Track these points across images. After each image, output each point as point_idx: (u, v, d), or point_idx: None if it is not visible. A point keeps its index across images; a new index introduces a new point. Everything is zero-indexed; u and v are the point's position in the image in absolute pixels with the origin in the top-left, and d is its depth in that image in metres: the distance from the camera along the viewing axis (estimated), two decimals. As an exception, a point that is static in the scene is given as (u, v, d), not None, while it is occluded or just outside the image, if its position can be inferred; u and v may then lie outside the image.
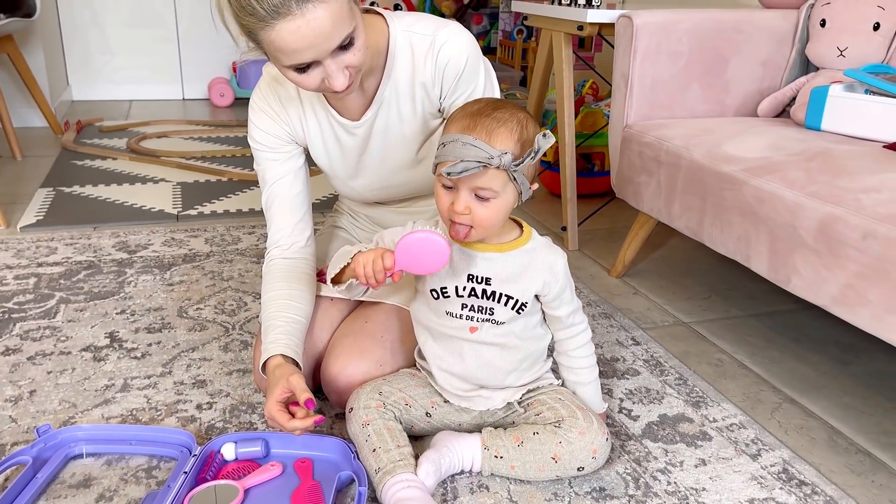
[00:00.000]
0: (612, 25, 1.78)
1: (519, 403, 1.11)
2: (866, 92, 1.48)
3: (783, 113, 1.78)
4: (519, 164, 0.95)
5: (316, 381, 1.24)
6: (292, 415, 1.05)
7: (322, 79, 1.00)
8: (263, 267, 1.25)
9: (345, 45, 0.98)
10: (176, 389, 1.28)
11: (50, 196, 2.29)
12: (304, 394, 1.03)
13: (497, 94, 1.21)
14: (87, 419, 1.19)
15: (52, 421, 1.18)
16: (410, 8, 4.13)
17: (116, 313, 1.55)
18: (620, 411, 1.28)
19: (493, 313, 1.06)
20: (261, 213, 1.27)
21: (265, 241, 1.27)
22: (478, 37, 4.33)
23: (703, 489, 1.09)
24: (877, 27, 1.62)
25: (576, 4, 1.92)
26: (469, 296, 1.05)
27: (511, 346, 1.08)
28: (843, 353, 1.52)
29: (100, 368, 1.34)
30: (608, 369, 1.40)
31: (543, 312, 1.12)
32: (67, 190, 2.35)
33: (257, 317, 1.51)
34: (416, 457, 1.04)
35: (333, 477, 1.03)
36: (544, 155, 0.99)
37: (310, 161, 1.28)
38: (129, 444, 1.12)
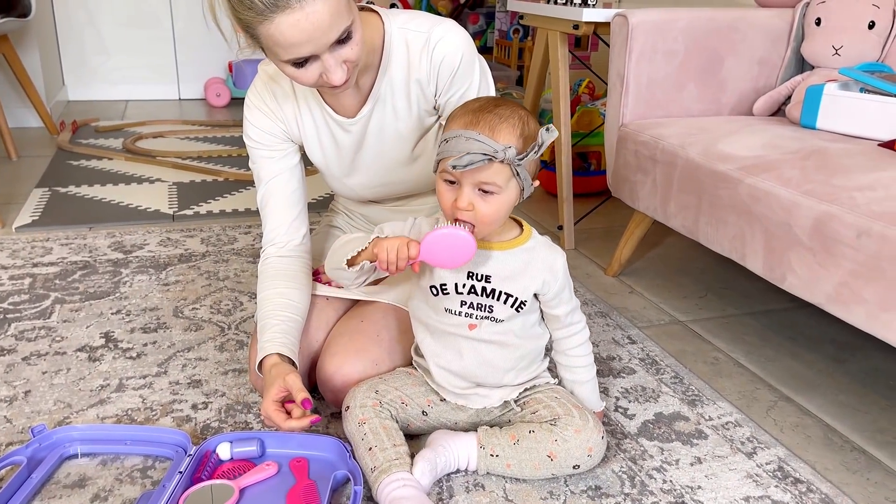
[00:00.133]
0: (607, 24, 1.78)
1: (515, 402, 1.11)
2: (861, 90, 1.48)
3: (779, 112, 1.78)
4: (523, 158, 0.95)
5: (312, 381, 1.24)
6: (288, 413, 1.05)
7: (320, 74, 1.01)
8: (259, 266, 1.25)
9: (343, 40, 0.98)
10: (171, 389, 1.28)
11: (45, 196, 2.28)
12: (300, 393, 1.03)
13: (492, 91, 1.22)
14: (82, 419, 1.19)
15: (46, 421, 1.18)
16: (406, 7, 4.13)
17: (112, 313, 1.55)
18: (616, 410, 1.28)
19: (492, 311, 1.06)
20: (257, 212, 1.27)
21: (261, 241, 1.27)
22: (474, 36, 4.33)
23: (699, 487, 1.09)
24: (871, 25, 1.62)
25: (572, 3, 1.92)
26: (469, 293, 1.05)
27: (510, 345, 1.08)
28: (839, 352, 1.52)
29: (95, 368, 1.34)
30: (604, 368, 1.40)
31: (542, 311, 1.12)
32: (63, 190, 2.35)
33: (253, 316, 1.51)
34: (412, 456, 1.04)
35: (329, 476, 1.03)
36: (541, 154, 1.00)
37: (305, 160, 1.28)
38: (125, 444, 1.12)
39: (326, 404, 1.23)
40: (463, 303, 1.06)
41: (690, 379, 1.39)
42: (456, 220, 0.98)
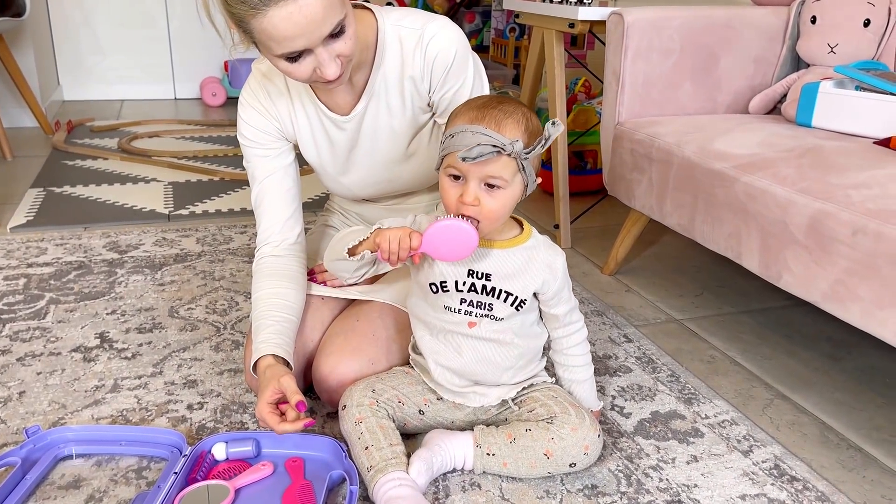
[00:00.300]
0: (603, 23, 1.77)
1: (513, 401, 1.11)
2: (857, 88, 1.49)
3: (774, 110, 1.78)
4: (530, 152, 0.96)
5: (307, 380, 1.24)
6: (283, 414, 1.04)
7: (313, 68, 1.00)
8: (253, 265, 1.25)
9: (336, 34, 0.98)
10: (167, 390, 1.28)
11: (40, 196, 2.27)
12: (295, 396, 1.03)
13: (486, 88, 1.22)
14: (76, 420, 1.18)
15: (41, 422, 1.17)
16: (402, 5, 4.13)
17: (107, 314, 1.54)
18: (612, 408, 1.28)
19: (491, 309, 1.06)
20: (252, 212, 1.27)
21: (256, 241, 1.27)
22: (470, 35, 4.32)
23: (695, 485, 1.09)
24: (867, 24, 1.62)
25: (567, 2, 1.92)
26: (469, 291, 1.05)
27: (509, 343, 1.08)
28: (835, 350, 1.52)
29: (90, 369, 1.33)
30: (600, 367, 1.40)
31: (540, 311, 1.12)
32: (58, 190, 2.34)
33: (248, 316, 1.51)
34: (409, 455, 1.04)
35: (325, 476, 1.03)
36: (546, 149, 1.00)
37: (300, 160, 1.28)
38: (119, 445, 1.11)
39: (322, 404, 1.23)
40: (463, 300, 1.06)
41: (687, 377, 1.39)
42: (460, 215, 0.98)
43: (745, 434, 1.22)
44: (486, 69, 1.28)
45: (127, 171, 2.58)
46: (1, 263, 1.78)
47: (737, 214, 1.35)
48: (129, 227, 2.07)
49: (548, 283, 1.06)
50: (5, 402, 1.22)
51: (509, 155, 0.94)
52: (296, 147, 1.27)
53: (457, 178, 0.98)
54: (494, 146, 0.93)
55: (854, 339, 1.56)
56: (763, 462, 1.15)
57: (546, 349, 1.17)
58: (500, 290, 1.05)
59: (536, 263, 1.06)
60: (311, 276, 1.31)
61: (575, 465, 1.05)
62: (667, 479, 1.10)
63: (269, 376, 1.06)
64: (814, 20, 1.68)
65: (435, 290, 1.06)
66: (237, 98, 1.24)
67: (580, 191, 2.40)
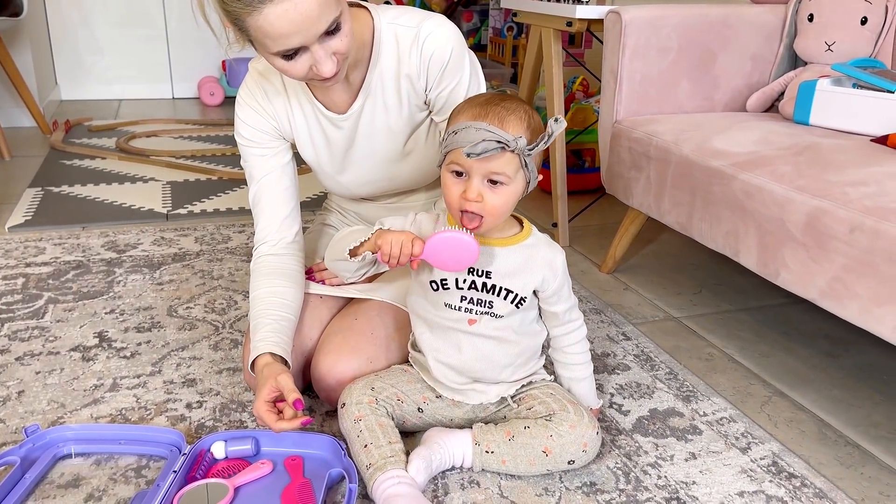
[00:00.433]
0: (601, 21, 1.78)
1: (512, 398, 1.12)
2: (854, 86, 1.49)
3: (772, 108, 1.78)
4: (533, 149, 0.96)
5: (306, 379, 1.24)
6: (280, 412, 1.04)
7: (310, 66, 1.00)
8: (251, 264, 1.25)
9: (332, 31, 0.98)
10: (165, 388, 1.28)
11: (38, 196, 2.27)
12: (291, 394, 1.03)
13: (483, 86, 1.22)
14: (75, 419, 1.18)
15: (40, 421, 1.17)
16: (399, 3, 4.12)
17: (105, 313, 1.54)
18: (611, 406, 1.28)
19: (492, 306, 1.06)
20: (251, 211, 1.27)
21: (254, 239, 1.27)
22: (468, 34, 4.32)
23: (694, 483, 1.09)
24: (864, 21, 1.63)
25: (565, 0, 1.92)
26: (469, 288, 1.05)
27: (508, 340, 1.08)
28: (833, 347, 1.53)
29: (89, 368, 1.33)
30: (599, 364, 1.40)
31: (540, 309, 1.13)
32: (56, 190, 2.34)
33: (247, 315, 1.51)
34: (408, 453, 1.04)
35: (324, 474, 1.03)
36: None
37: (298, 159, 1.28)
38: (119, 444, 1.11)
39: (320, 402, 1.23)
40: (463, 298, 1.06)
41: (685, 375, 1.39)
42: (463, 211, 0.98)
43: (743, 431, 1.22)
44: (483, 68, 1.28)
45: (125, 170, 2.58)
46: (-1, 263, 1.78)
47: (734, 212, 1.35)
48: (128, 226, 2.07)
49: (548, 281, 1.07)
50: (4, 401, 1.22)
51: (513, 151, 0.95)
52: (293, 146, 1.27)
53: (459, 174, 0.98)
54: (499, 142, 0.93)
55: (852, 337, 1.56)
56: (761, 459, 1.15)
57: (545, 347, 1.17)
58: (501, 288, 1.05)
59: (536, 261, 1.06)
60: (310, 274, 1.31)
61: (573, 462, 1.05)
62: (665, 477, 1.10)
63: (267, 375, 1.06)
64: (811, 18, 1.69)
65: (435, 287, 1.06)
66: (235, 97, 1.24)
67: (578, 189, 2.40)
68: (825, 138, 1.42)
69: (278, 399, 1.06)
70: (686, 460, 1.14)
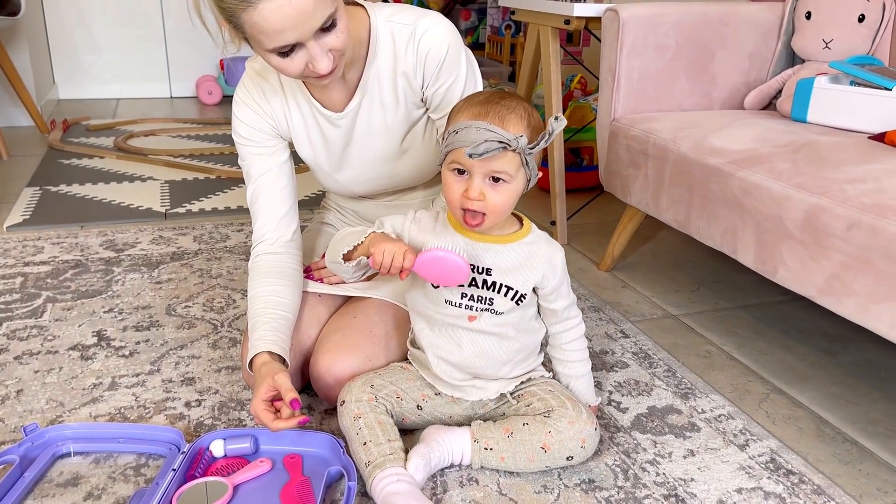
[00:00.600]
0: (599, 19, 1.78)
1: (511, 395, 1.12)
2: (851, 84, 1.49)
3: (769, 105, 1.79)
4: (534, 148, 0.97)
5: (305, 377, 1.24)
6: (278, 410, 1.04)
7: (306, 63, 1.00)
8: (249, 263, 1.25)
9: (327, 27, 0.98)
10: (164, 387, 1.28)
11: (36, 195, 2.27)
12: (289, 393, 1.03)
13: (479, 83, 1.22)
14: (74, 418, 1.19)
15: (39, 420, 1.17)
16: (397, 1, 4.12)
17: (104, 312, 1.54)
18: (609, 403, 1.28)
19: (492, 303, 1.06)
20: (248, 210, 1.27)
21: (251, 238, 1.27)
22: (466, 33, 4.32)
23: (692, 480, 1.09)
24: (861, 19, 1.63)
25: (563, -1, 1.92)
26: (469, 285, 1.05)
27: (508, 337, 1.09)
28: (830, 344, 1.53)
29: (87, 367, 1.33)
30: (597, 362, 1.40)
31: (539, 306, 1.13)
32: (54, 189, 2.34)
33: (246, 314, 1.51)
34: (407, 451, 1.04)
35: (323, 472, 1.03)
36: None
37: (295, 158, 1.28)
38: (118, 443, 1.11)
39: (319, 400, 1.23)
40: (463, 294, 1.06)
41: (683, 372, 1.39)
42: (465, 209, 0.98)
43: (741, 428, 1.22)
44: (482, 66, 1.28)
45: (123, 169, 2.58)
46: (-3, 262, 1.78)
47: (732, 210, 1.36)
48: (126, 225, 2.07)
49: (547, 278, 1.07)
50: (3, 400, 1.22)
51: (514, 151, 0.95)
52: (291, 145, 1.27)
53: (461, 172, 0.98)
54: (501, 142, 0.94)
55: (850, 334, 1.56)
56: (759, 456, 1.15)
57: (544, 344, 1.18)
58: (501, 285, 1.05)
59: (536, 258, 1.06)
60: (308, 273, 1.31)
61: (572, 458, 1.06)
62: (663, 474, 1.10)
63: (264, 373, 1.06)
64: (808, 16, 1.69)
65: (435, 284, 1.06)
66: (233, 96, 1.24)
67: (576, 187, 2.40)
68: (823, 136, 1.42)
69: (275, 398, 1.06)
70: (684, 457, 1.14)
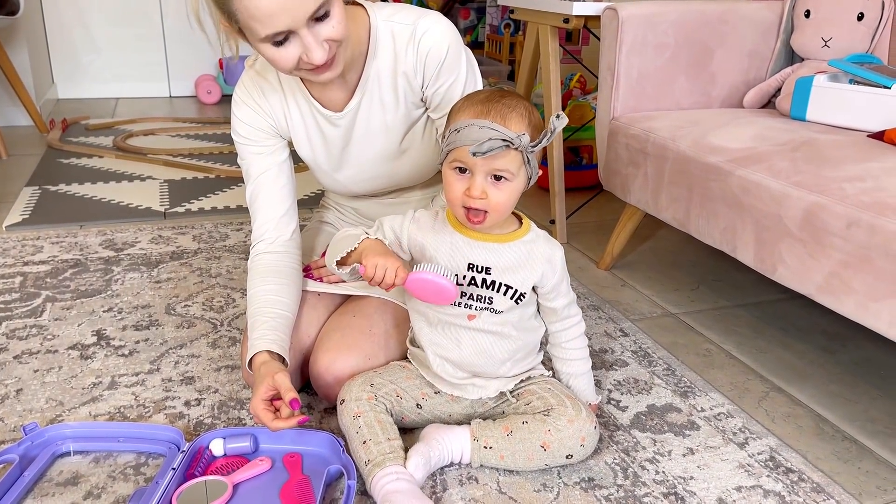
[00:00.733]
0: (598, 18, 1.78)
1: (511, 393, 1.12)
2: (850, 82, 1.49)
3: (769, 104, 1.79)
4: (536, 146, 0.97)
5: (304, 376, 1.24)
6: (277, 410, 1.04)
7: (300, 55, 1.00)
8: (248, 262, 1.25)
9: (321, 17, 0.97)
10: (164, 386, 1.28)
11: (35, 195, 2.27)
12: (288, 393, 1.03)
13: (479, 82, 1.22)
14: (74, 417, 1.19)
15: (38, 419, 1.17)
16: (397, 1, 4.12)
17: (103, 311, 1.54)
18: (609, 402, 1.28)
19: (491, 302, 1.06)
20: (248, 209, 1.27)
21: (251, 237, 1.27)
22: (465, 31, 4.32)
23: (691, 478, 1.09)
24: (861, 17, 1.63)
25: (562, -3, 1.92)
26: (469, 284, 1.05)
27: (507, 336, 1.09)
28: (830, 342, 1.53)
29: (87, 366, 1.33)
30: (597, 361, 1.40)
31: (538, 305, 1.13)
32: (53, 188, 2.34)
33: (246, 313, 1.51)
34: (406, 450, 1.04)
35: (322, 471, 1.03)
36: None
37: (294, 157, 1.28)
38: (117, 442, 1.11)
39: (319, 399, 1.23)
40: (463, 294, 1.06)
41: (682, 371, 1.39)
42: (466, 208, 0.98)
43: (740, 426, 1.22)
44: (481, 65, 1.28)
45: (122, 168, 2.58)
46: (-3, 262, 1.78)
47: (731, 208, 1.36)
48: (125, 224, 2.07)
49: (547, 277, 1.07)
50: (3, 399, 1.22)
51: (517, 149, 0.95)
52: (290, 144, 1.27)
53: (463, 171, 0.98)
54: (504, 140, 0.94)
55: (849, 332, 1.57)
56: (759, 454, 1.16)
57: (544, 343, 1.18)
58: (500, 284, 1.05)
59: (536, 257, 1.06)
60: (307, 272, 1.31)
61: (572, 456, 1.06)
62: (663, 472, 1.10)
63: (264, 373, 1.06)
64: (808, 14, 1.69)
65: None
66: (232, 95, 1.24)
67: (576, 186, 2.40)
68: (822, 134, 1.42)
69: (275, 397, 1.06)
70: (684, 455, 1.14)
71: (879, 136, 1.38)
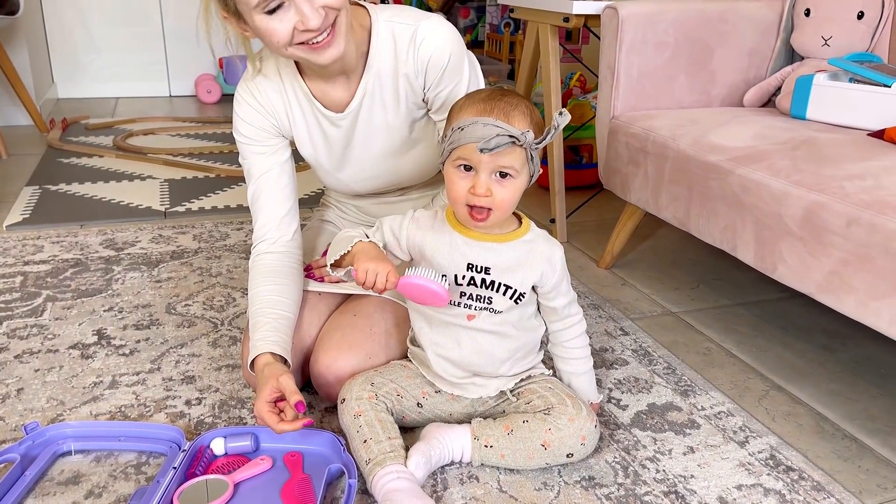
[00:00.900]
0: (598, 17, 1.78)
1: (511, 392, 1.12)
2: (850, 80, 1.49)
3: (769, 102, 1.79)
4: (540, 143, 0.97)
5: (305, 375, 1.24)
6: (281, 411, 1.04)
7: (294, 25, 0.99)
8: (250, 262, 1.25)
9: None
10: (165, 386, 1.28)
11: (36, 194, 2.27)
12: (294, 396, 1.03)
13: (482, 84, 1.22)
14: (75, 416, 1.19)
15: (40, 419, 1.17)
16: (397, 2, 4.12)
17: (104, 311, 1.54)
18: (609, 401, 1.28)
19: (491, 302, 1.06)
20: (249, 209, 1.27)
21: (252, 237, 1.27)
22: (465, 31, 4.32)
23: (692, 476, 1.09)
24: (861, 16, 1.63)
25: (562, -4, 1.92)
26: (468, 284, 1.05)
27: (507, 335, 1.09)
28: (830, 341, 1.53)
29: (88, 366, 1.33)
30: (597, 360, 1.40)
31: (539, 304, 1.13)
32: (53, 188, 2.34)
33: (246, 312, 1.51)
34: (407, 449, 1.04)
35: (323, 470, 1.03)
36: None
37: (296, 156, 1.28)
38: (118, 441, 1.11)
39: (320, 399, 1.23)
40: (462, 294, 1.06)
41: (683, 369, 1.39)
42: (470, 206, 0.99)
43: (740, 425, 1.22)
44: (481, 64, 1.28)
45: (122, 168, 2.58)
46: (-3, 261, 1.78)
47: (732, 207, 1.36)
48: (126, 224, 2.07)
49: (546, 276, 1.07)
50: (3, 399, 1.23)
51: (521, 145, 0.95)
52: (292, 143, 1.27)
53: (467, 169, 0.98)
54: (510, 136, 0.94)
55: (849, 330, 1.57)
56: (759, 453, 1.16)
57: (544, 342, 1.18)
58: (500, 284, 1.05)
59: (535, 256, 1.06)
60: (308, 271, 1.31)
61: (572, 455, 1.06)
62: (663, 471, 1.10)
63: (268, 375, 1.06)
64: (808, 13, 1.69)
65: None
66: (232, 95, 1.24)
67: (576, 185, 2.40)
68: (822, 133, 1.42)
69: (279, 399, 1.06)
70: (684, 454, 1.14)
71: (879, 134, 1.38)
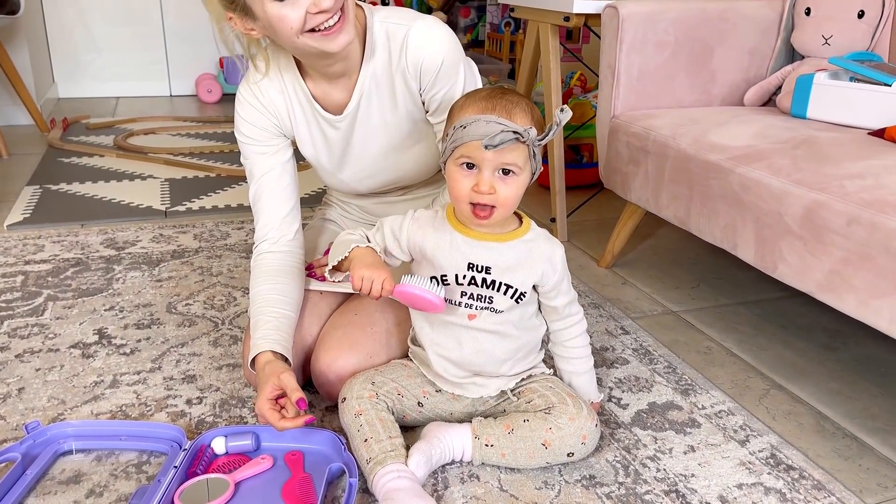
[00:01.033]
0: (598, 16, 1.78)
1: (512, 391, 1.12)
2: (851, 80, 1.49)
3: (769, 102, 1.79)
4: (542, 139, 0.98)
5: (305, 374, 1.24)
6: (283, 408, 1.05)
7: (306, 9, 0.99)
8: (251, 261, 1.25)
9: None
10: (165, 385, 1.28)
11: (37, 194, 2.27)
12: (295, 393, 1.03)
13: (479, 83, 1.22)
14: (76, 415, 1.19)
15: (40, 418, 1.17)
16: (398, 2, 4.12)
17: (105, 310, 1.54)
18: (610, 400, 1.28)
19: (492, 302, 1.06)
20: (249, 208, 1.27)
21: (254, 236, 1.27)
22: (465, 30, 4.32)
23: (692, 475, 1.09)
24: (861, 15, 1.63)
25: (562, -5, 1.92)
26: (469, 284, 1.05)
27: (508, 335, 1.09)
28: (830, 340, 1.53)
29: (88, 365, 1.33)
30: (598, 359, 1.40)
31: (539, 304, 1.13)
32: (54, 187, 2.34)
33: (247, 311, 1.51)
34: (408, 448, 1.04)
35: (324, 469, 1.03)
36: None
37: (297, 156, 1.28)
38: (119, 440, 1.12)
39: (321, 398, 1.23)
40: (463, 293, 1.06)
41: (683, 368, 1.39)
42: (474, 203, 0.99)
43: (741, 424, 1.23)
44: (481, 64, 1.28)
45: (123, 168, 2.58)
46: (-2, 261, 1.78)
47: (732, 206, 1.36)
48: (126, 223, 2.07)
49: (547, 276, 1.07)
50: (4, 398, 1.23)
51: (525, 142, 0.96)
52: (293, 143, 1.27)
53: (469, 167, 0.98)
54: (515, 133, 0.94)
55: (849, 329, 1.57)
56: (759, 451, 1.16)
57: (545, 342, 1.18)
58: (500, 283, 1.05)
59: (536, 256, 1.06)
60: (310, 270, 1.31)
61: (573, 454, 1.06)
62: (664, 470, 1.10)
63: (269, 373, 1.06)
64: (808, 12, 1.69)
65: (436, 283, 1.07)
66: (233, 94, 1.24)
67: (576, 184, 2.40)
68: (822, 132, 1.42)
69: (280, 396, 1.06)
70: (685, 453, 1.14)
71: (880, 133, 1.38)
